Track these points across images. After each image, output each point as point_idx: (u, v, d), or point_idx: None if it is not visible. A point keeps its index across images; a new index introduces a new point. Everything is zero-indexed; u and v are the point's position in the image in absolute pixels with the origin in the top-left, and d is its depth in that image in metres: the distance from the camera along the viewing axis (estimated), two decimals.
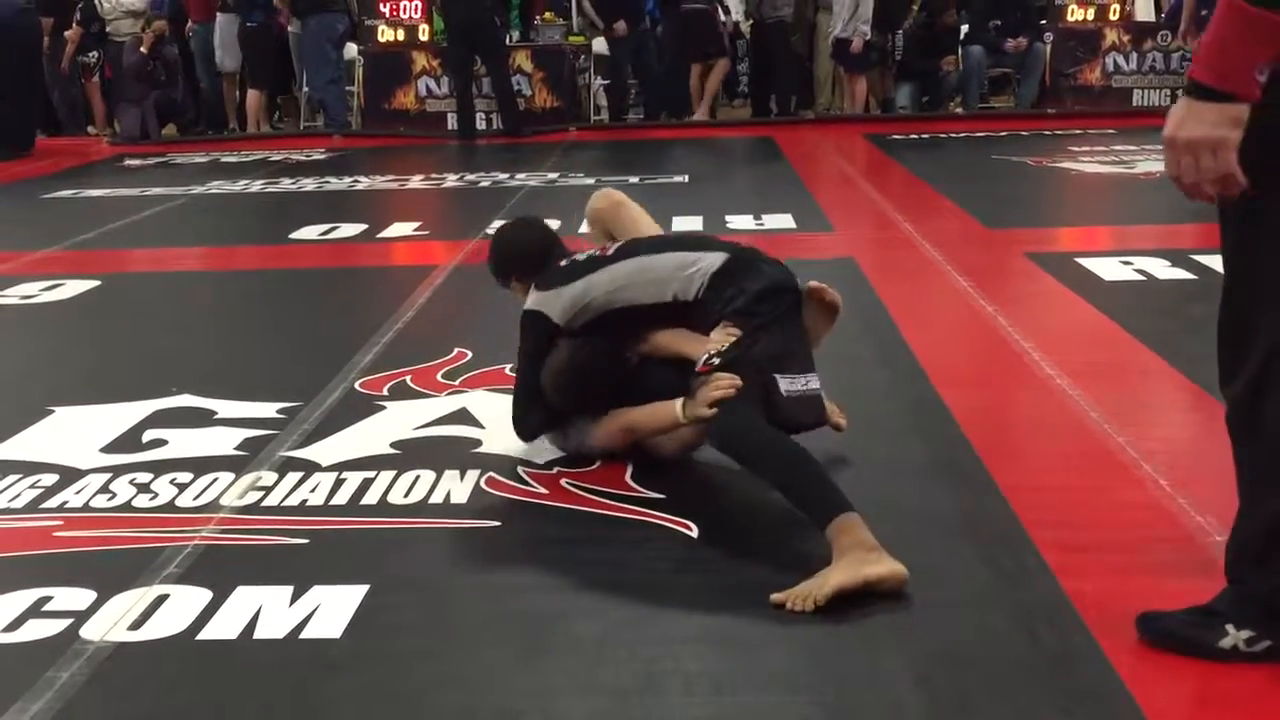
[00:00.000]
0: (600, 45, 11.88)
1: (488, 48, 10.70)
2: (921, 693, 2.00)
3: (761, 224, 6.32)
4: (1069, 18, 11.50)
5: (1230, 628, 1.99)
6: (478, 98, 11.01)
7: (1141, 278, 4.85)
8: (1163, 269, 4.94)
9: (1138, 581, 2.35)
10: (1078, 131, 9.88)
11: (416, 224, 6.71)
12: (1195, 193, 1.78)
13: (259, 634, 2.25)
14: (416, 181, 8.55)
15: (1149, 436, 3.11)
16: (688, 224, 6.28)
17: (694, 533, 2.63)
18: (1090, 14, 11.48)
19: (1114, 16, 11.50)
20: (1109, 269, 4.97)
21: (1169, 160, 1.77)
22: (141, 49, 11.00)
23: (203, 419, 3.43)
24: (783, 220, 6.39)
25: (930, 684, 2.02)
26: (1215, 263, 4.92)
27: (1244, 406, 1.93)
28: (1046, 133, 9.95)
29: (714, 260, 2.83)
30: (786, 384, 2.64)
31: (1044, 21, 11.59)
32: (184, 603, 2.36)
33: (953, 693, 2.00)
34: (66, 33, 11.68)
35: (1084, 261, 5.04)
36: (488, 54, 10.74)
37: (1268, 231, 1.87)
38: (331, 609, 2.32)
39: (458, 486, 2.90)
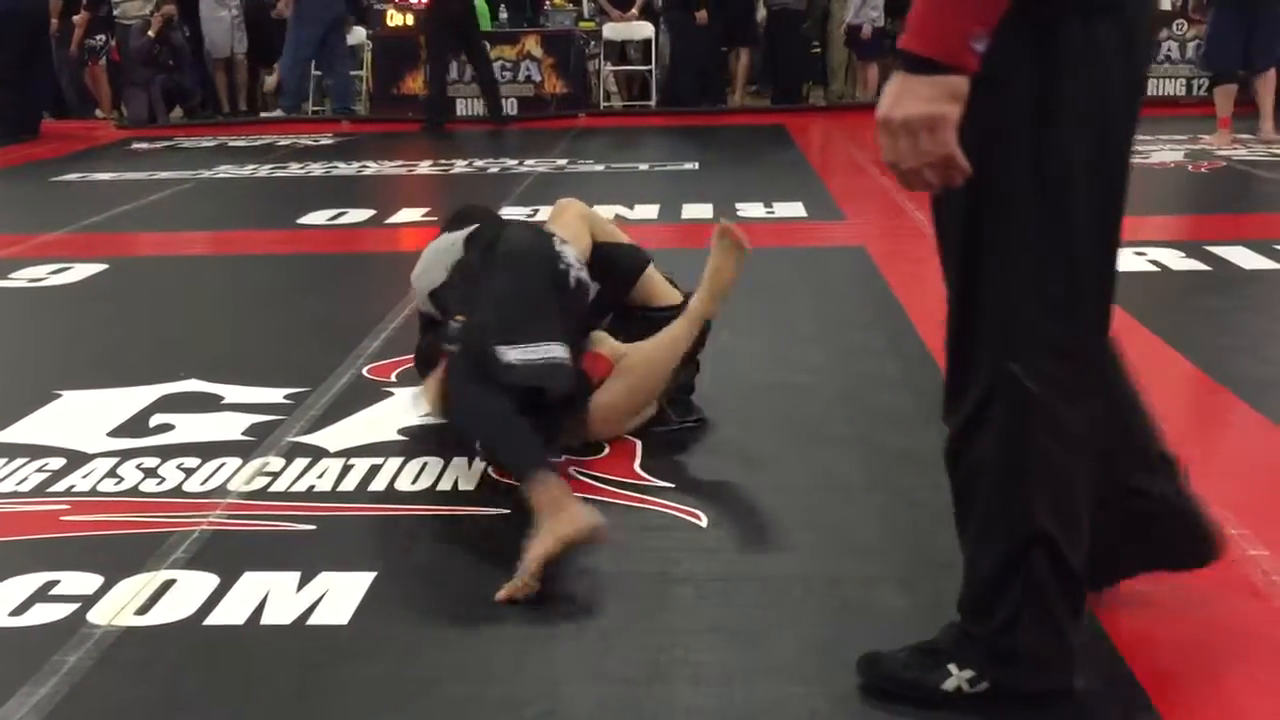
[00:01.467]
0: (610, 31, 11.83)
1: (472, 35, 10.59)
2: None
3: (772, 212, 6.29)
4: None
5: (953, 667, 1.86)
6: (457, 83, 11.06)
7: (1155, 269, 4.82)
8: (1176, 260, 4.91)
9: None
10: None
11: (425, 210, 6.69)
12: (916, 181, 1.58)
13: (266, 620, 2.24)
14: (425, 167, 8.53)
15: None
16: (697, 212, 6.26)
17: (703, 522, 2.62)
18: None
19: None
20: (1122, 260, 4.89)
21: (886, 145, 1.57)
22: (149, 33, 10.99)
23: (210, 404, 3.43)
24: (794, 209, 6.37)
25: None
26: (1230, 254, 4.98)
27: (957, 441, 1.88)
28: None
29: (465, 232, 3.02)
30: (515, 354, 2.68)
31: None
32: (191, 588, 2.35)
33: None
34: (75, 16, 11.66)
35: None
36: (473, 41, 10.60)
37: (986, 245, 1.70)
38: (339, 595, 2.31)
39: (465, 474, 2.89)
